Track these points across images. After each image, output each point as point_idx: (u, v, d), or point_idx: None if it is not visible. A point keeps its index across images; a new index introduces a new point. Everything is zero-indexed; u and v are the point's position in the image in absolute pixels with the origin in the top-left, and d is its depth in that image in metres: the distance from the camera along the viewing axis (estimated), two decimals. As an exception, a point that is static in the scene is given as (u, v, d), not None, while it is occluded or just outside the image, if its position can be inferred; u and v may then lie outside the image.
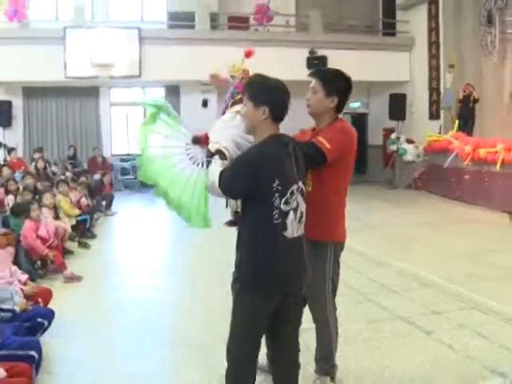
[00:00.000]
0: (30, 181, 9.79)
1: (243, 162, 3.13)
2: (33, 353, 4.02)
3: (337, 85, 3.70)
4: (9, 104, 16.26)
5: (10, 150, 13.95)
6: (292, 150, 3.18)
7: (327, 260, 3.75)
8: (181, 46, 15.85)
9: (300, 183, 3.18)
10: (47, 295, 5.38)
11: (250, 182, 3.05)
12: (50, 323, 4.74)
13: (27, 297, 5.01)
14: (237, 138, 3.47)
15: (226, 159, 3.33)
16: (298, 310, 3.34)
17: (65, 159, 15.18)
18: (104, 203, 12.53)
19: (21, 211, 7.80)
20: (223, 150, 3.34)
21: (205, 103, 17.26)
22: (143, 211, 13.58)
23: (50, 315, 4.78)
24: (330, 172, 3.62)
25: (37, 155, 13.11)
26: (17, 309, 4.59)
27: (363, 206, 13.34)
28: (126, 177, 16.85)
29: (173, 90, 17.69)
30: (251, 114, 3.18)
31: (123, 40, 15.43)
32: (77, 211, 9.75)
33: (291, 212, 3.12)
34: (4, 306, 4.51)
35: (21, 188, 9.41)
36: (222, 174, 3.16)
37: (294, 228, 3.13)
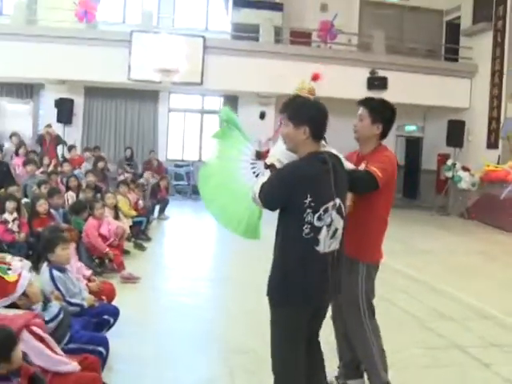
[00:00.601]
0: (91, 179, 9.98)
1: (278, 177, 3.22)
2: (101, 349, 4.11)
3: (382, 113, 3.94)
4: (71, 102, 16.61)
5: (70, 147, 14.26)
6: (331, 168, 3.25)
7: (359, 276, 3.93)
8: (243, 58, 16.01)
9: (337, 200, 3.24)
10: (111, 293, 5.49)
11: (284, 196, 3.16)
12: (115, 321, 4.84)
13: (92, 293, 5.11)
14: (287, 155, 3.54)
15: None
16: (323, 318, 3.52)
17: (121, 160, 15.45)
18: (158, 207, 12.73)
19: (80, 209, 7.99)
20: (275, 163, 3.42)
21: (262, 115, 17.35)
22: (195, 218, 13.75)
23: (115, 313, 4.88)
24: (374, 196, 3.80)
25: (87, 154, 13.31)
26: (85, 304, 4.71)
27: (415, 231, 13.26)
28: (179, 182, 17.03)
29: (231, 101, 17.85)
30: (292, 135, 3.28)
31: (188, 47, 15.63)
32: (134, 212, 9.93)
33: (324, 228, 3.18)
34: (73, 301, 4.62)
35: (83, 185, 9.60)
36: (263, 186, 3.25)
37: (326, 243, 3.20)
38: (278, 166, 3.38)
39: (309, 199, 3.11)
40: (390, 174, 3.82)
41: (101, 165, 12.46)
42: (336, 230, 3.24)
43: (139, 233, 9.97)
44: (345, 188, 3.38)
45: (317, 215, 3.14)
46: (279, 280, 3.23)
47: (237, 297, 7.05)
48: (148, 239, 10.06)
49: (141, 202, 10.70)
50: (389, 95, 16.32)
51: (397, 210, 16.88)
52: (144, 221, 10.18)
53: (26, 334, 3.32)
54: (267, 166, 3.44)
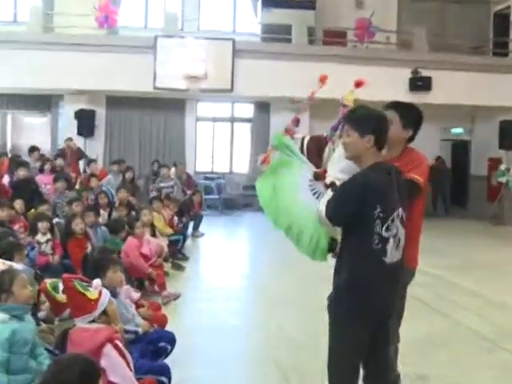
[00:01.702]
0: (124, 194, 10.07)
1: (347, 189, 3.40)
2: (163, 379, 4.24)
3: (413, 118, 4.17)
4: (92, 113, 16.88)
5: (90, 161, 14.21)
6: (394, 178, 3.46)
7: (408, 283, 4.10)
8: (275, 61, 16.14)
9: (400, 210, 3.45)
10: (163, 320, 5.61)
11: (354, 208, 3.33)
12: (172, 348, 4.94)
13: (143, 319, 5.23)
14: (351, 169, 3.72)
15: None
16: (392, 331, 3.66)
17: (149, 174, 15.59)
18: (192, 223, 12.90)
19: (118, 228, 8.14)
20: (335, 181, 3.59)
21: (298, 122, 17.37)
22: (230, 234, 13.95)
23: (172, 339, 4.97)
24: (413, 208, 3.95)
25: (115, 167, 13.28)
26: (140, 330, 4.84)
27: (467, 243, 13.25)
28: (209, 196, 17.16)
29: (263, 107, 18.04)
30: (357, 144, 3.47)
31: (216, 51, 15.83)
32: (170, 230, 10.08)
33: (391, 238, 3.39)
34: (127, 327, 4.72)
35: (117, 202, 9.77)
36: (328, 202, 3.43)
37: (392, 254, 3.41)
38: (338, 183, 3.56)
39: (378, 210, 3.32)
40: (426, 177, 4.05)
41: (129, 175, 12.54)
42: (399, 240, 3.46)
43: (176, 252, 10.12)
44: (406, 197, 3.56)
45: (385, 226, 3.35)
46: (346, 293, 3.41)
47: (286, 315, 7.20)
48: (186, 258, 10.21)
49: (176, 219, 10.84)
50: (433, 96, 16.44)
51: (445, 220, 17.11)
52: (180, 239, 10.34)
53: (109, 348, 3.47)
54: (327, 186, 3.63)
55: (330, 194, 3.53)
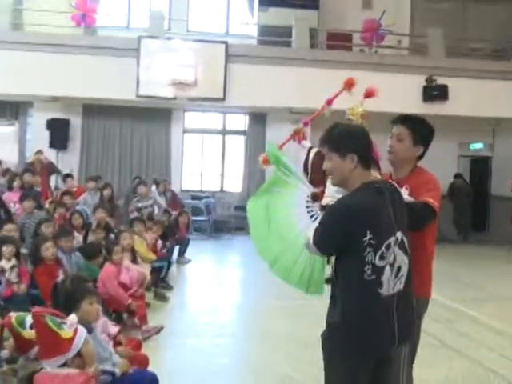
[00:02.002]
0: (102, 215, 9.95)
1: (331, 214, 3.40)
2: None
3: (424, 134, 4.21)
4: (66, 123, 16.86)
5: (66, 177, 14.04)
6: (389, 198, 3.43)
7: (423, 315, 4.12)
8: (273, 67, 16.21)
9: (399, 234, 3.42)
10: (144, 361, 5.50)
11: (340, 235, 3.32)
12: (155, 391, 4.86)
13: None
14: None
15: None
16: (399, 357, 3.63)
17: (129, 192, 15.48)
18: (178, 248, 12.82)
19: (95, 253, 8.04)
20: (330, 203, 3.61)
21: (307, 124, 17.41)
22: (219, 260, 13.93)
23: (154, 381, 4.89)
24: (426, 233, 4.05)
25: (91, 184, 12.96)
26: (117, 371, 4.72)
27: (488, 272, 13.19)
28: (197, 218, 17.11)
29: (258, 119, 18.12)
30: (339, 166, 3.47)
31: (206, 56, 15.84)
32: (152, 256, 10.00)
33: (387, 267, 3.35)
34: (103, 367, 4.58)
35: (94, 224, 9.69)
36: (316, 230, 3.43)
37: (390, 284, 3.37)
38: None
39: (368, 236, 3.27)
40: (440, 202, 4.04)
41: (107, 193, 12.43)
42: (400, 267, 3.41)
43: (159, 280, 10.04)
44: (405, 219, 3.54)
45: (379, 254, 3.30)
46: (340, 331, 3.39)
47: (280, 353, 7.14)
48: (170, 288, 10.12)
49: (160, 243, 10.78)
50: (450, 107, 16.47)
51: (463, 246, 17.03)
52: (164, 265, 10.28)
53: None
54: (322, 208, 3.66)
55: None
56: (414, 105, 15.97)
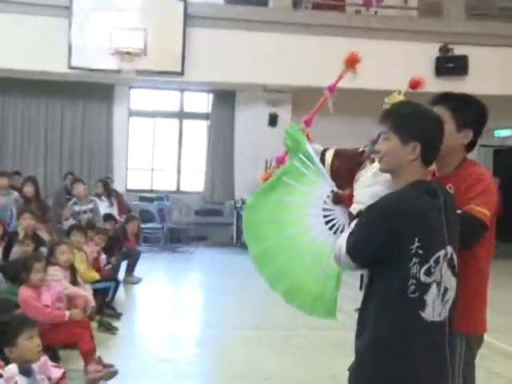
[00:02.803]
0: (30, 222, 9.77)
1: (372, 214, 3.40)
2: None
3: (471, 114, 4.07)
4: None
5: None
6: (443, 204, 3.44)
7: (456, 355, 3.89)
8: (244, 32, 16.25)
9: (449, 249, 3.42)
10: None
11: (382, 239, 3.32)
12: None
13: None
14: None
15: None
16: None
17: (60, 192, 15.35)
18: (126, 264, 12.74)
19: (17, 273, 7.92)
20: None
21: (272, 120, 17.69)
22: (177, 278, 13.97)
23: None
24: (479, 247, 3.93)
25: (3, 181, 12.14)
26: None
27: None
28: (148, 225, 17.01)
29: (225, 98, 18.22)
30: (397, 152, 3.46)
31: (160, 17, 15.78)
32: (95, 274, 9.90)
33: (433, 285, 3.35)
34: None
35: (21, 235, 9.48)
36: (349, 236, 3.43)
37: (435, 308, 3.36)
38: None
39: (416, 244, 3.28)
40: (494, 207, 3.94)
41: (29, 191, 12.03)
42: (446, 289, 3.40)
43: (103, 306, 9.92)
44: (457, 232, 3.53)
45: (425, 267, 3.31)
46: (371, 364, 3.40)
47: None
48: (117, 315, 10.01)
49: (104, 258, 10.72)
50: (470, 83, 16.34)
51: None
52: (110, 287, 10.17)
53: None
54: (353, 217, 3.58)
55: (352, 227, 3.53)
56: (426, 79, 16.03)
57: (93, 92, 17.59)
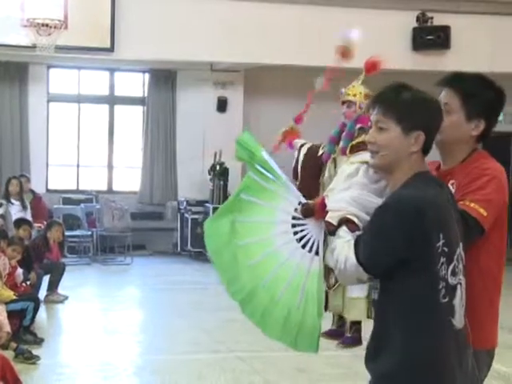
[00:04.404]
0: None
1: (390, 216, 3.34)
2: None
3: (484, 100, 4.00)
4: None
5: None
6: (450, 195, 3.57)
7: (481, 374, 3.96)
8: (187, 0, 16.12)
9: (461, 246, 3.47)
10: None
11: (405, 242, 3.29)
12: None
13: None
14: (365, 201, 3.75)
15: (359, 230, 3.60)
16: None
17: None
18: (48, 280, 12.57)
19: None
20: (351, 217, 3.58)
21: (221, 105, 17.71)
22: (110, 295, 13.82)
23: None
24: (477, 246, 3.87)
25: None
26: None
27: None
28: (73, 232, 16.92)
29: (164, 80, 18.11)
30: (397, 144, 3.46)
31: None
32: (9, 293, 9.80)
33: (458, 287, 3.41)
34: None
35: None
36: (357, 242, 3.41)
37: (460, 314, 3.41)
38: (356, 221, 3.56)
39: (442, 241, 3.30)
40: (499, 206, 3.90)
41: None
42: (462, 292, 3.46)
43: (21, 331, 9.82)
44: (462, 230, 3.53)
45: (451, 267, 3.35)
46: (396, 378, 3.32)
47: None
48: (38, 342, 9.90)
49: (20, 272, 10.50)
50: (452, 59, 16.52)
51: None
52: (29, 307, 9.98)
53: None
54: (335, 227, 3.59)
55: (347, 235, 3.51)
56: (400, 56, 15.99)
57: (2, 72, 17.50)
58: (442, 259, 3.28)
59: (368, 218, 3.64)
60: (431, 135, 3.49)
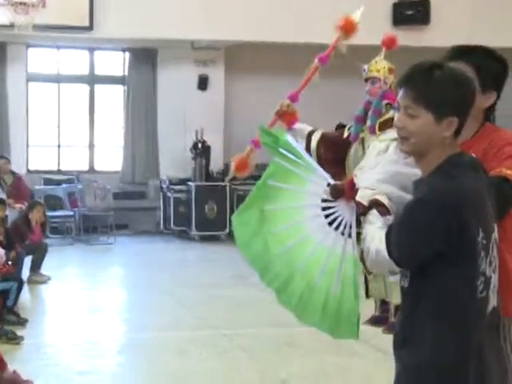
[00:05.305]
0: None
1: (426, 208, 3.25)
2: None
3: (494, 72, 4.01)
4: None
5: None
6: (485, 176, 3.42)
7: (507, 342, 3.97)
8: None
9: (496, 229, 3.39)
10: None
11: (442, 237, 3.19)
12: None
13: None
14: (399, 177, 3.69)
15: (390, 213, 3.51)
16: None
17: None
18: (30, 260, 12.57)
19: None
20: (381, 199, 3.50)
21: (202, 82, 17.65)
22: (93, 275, 13.80)
23: None
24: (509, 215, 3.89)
25: None
26: None
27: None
28: (55, 213, 16.86)
29: (144, 59, 18.05)
30: (429, 131, 3.33)
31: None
32: None
33: (493, 276, 3.33)
34: None
35: None
36: (389, 234, 3.31)
37: (493, 300, 3.35)
38: (387, 202, 3.48)
39: (481, 235, 3.22)
40: None
41: None
42: (496, 278, 3.41)
43: (4, 312, 9.82)
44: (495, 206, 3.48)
45: (489, 258, 3.27)
46: (432, 370, 3.27)
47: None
48: (22, 322, 9.89)
49: (2, 253, 10.50)
50: (433, 34, 16.51)
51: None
52: (12, 288, 10.01)
53: None
54: (366, 209, 3.52)
55: (378, 220, 3.44)
56: (380, 31, 15.91)
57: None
58: (483, 253, 3.23)
59: (402, 193, 3.61)
60: (464, 117, 3.37)
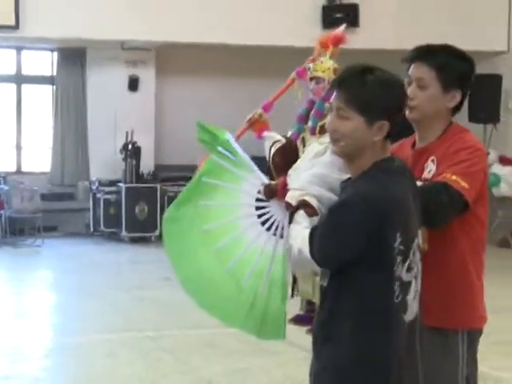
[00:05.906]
0: None
1: (349, 212, 3.29)
2: None
3: (459, 71, 4.01)
4: None
5: None
6: (412, 183, 3.50)
7: (459, 356, 3.97)
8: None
9: (419, 234, 3.47)
10: None
11: (362, 242, 3.24)
12: None
13: None
14: (330, 180, 3.74)
15: (317, 215, 3.54)
16: None
17: None
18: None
19: None
20: (309, 200, 3.54)
21: (133, 83, 17.60)
22: (20, 278, 13.72)
23: None
24: (460, 221, 3.89)
25: None
26: None
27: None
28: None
29: (73, 58, 17.89)
30: (359, 134, 3.36)
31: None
32: None
33: (413, 282, 3.38)
34: None
35: None
36: (312, 234, 3.34)
37: (413, 307, 3.40)
38: (315, 203, 3.52)
39: (398, 240, 3.26)
40: (481, 179, 3.93)
41: None
42: (419, 283, 3.47)
43: None
44: (420, 216, 3.52)
45: (406, 264, 3.32)
46: (350, 370, 3.31)
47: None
48: None
49: None
50: (362, 37, 16.50)
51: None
52: None
53: None
54: (294, 209, 3.54)
55: (304, 220, 3.48)
56: (310, 34, 15.89)
57: None
58: (399, 259, 3.26)
59: (333, 195, 3.64)
60: (395, 121, 3.39)
